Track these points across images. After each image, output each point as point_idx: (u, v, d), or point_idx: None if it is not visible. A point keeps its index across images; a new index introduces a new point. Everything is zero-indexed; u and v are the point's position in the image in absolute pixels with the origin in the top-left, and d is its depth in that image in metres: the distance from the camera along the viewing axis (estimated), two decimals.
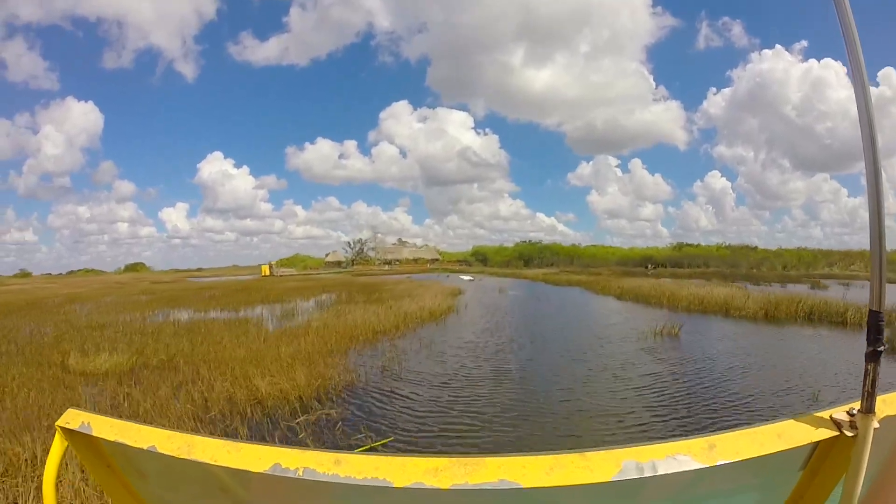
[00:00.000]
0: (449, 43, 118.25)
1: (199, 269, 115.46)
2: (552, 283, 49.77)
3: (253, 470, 1.14)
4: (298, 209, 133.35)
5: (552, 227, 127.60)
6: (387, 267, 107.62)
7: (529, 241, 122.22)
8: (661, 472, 1.06)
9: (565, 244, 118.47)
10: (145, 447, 1.29)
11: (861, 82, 1.13)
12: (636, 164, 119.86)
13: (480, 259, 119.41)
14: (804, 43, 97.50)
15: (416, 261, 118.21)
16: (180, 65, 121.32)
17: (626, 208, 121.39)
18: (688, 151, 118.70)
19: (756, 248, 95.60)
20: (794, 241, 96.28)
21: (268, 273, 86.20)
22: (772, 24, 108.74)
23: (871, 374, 1.14)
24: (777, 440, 1.15)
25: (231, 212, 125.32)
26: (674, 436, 1.22)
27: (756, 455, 1.12)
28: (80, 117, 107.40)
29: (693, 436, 1.13)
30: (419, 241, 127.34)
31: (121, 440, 1.34)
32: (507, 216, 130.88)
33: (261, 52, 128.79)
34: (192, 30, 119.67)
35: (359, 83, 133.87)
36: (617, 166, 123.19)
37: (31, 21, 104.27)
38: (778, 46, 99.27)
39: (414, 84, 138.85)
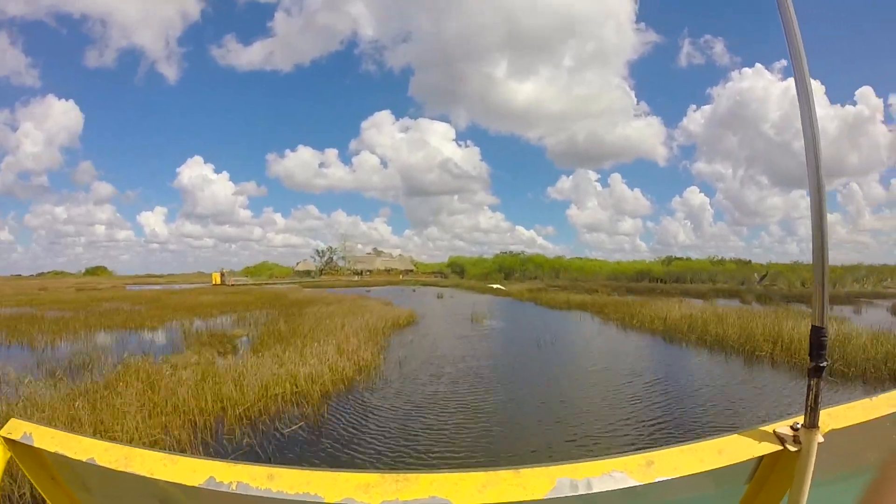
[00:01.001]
0: (433, 53, 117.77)
1: (168, 276, 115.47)
2: (545, 305, 37.71)
3: (188, 483, 1.14)
4: (278, 217, 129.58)
5: (532, 240, 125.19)
6: (356, 277, 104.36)
7: (510, 252, 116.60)
8: (596, 489, 1.06)
9: (548, 257, 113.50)
10: (85, 459, 1.29)
11: (807, 101, 1.19)
12: (616, 178, 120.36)
13: (457, 271, 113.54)
14: (783, 62, 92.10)
15: (388, 271, 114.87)
16: (163, 66, 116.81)
17: (606, 222, 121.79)
18: (667, 167, 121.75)
19: (749, 261, 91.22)
20: (771, 257, 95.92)
21: (219, 281, 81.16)
22: (753, 43, 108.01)
23: (813, 390, 1.17)
24: (718, 456, 1.16)
25: (210, 217, 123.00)
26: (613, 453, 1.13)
27: (696, 471, 1.12)
28: (61, 116, 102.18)
29: (631, 452, 1.12)
30: (397, 252, 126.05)
31: (62, 452, 1.34)
32: (487, 228, 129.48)
33: (244, 56, 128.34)
34: (175, 31, 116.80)
35: (341, 91, 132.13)
36: (597, 180, 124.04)
37: (16, 15, 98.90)
38: (758, 65, 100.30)
39: (396, 94, 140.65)
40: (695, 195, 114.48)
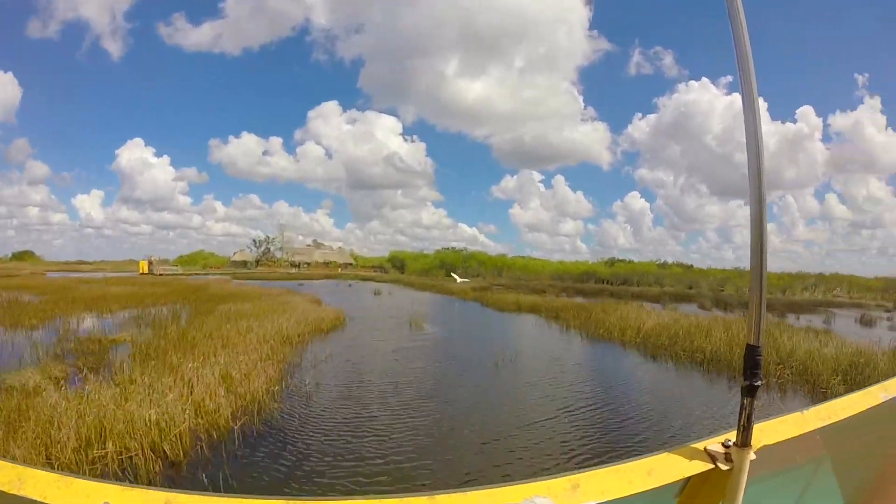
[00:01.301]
0: (385, 46, 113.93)
1: (99, 263, 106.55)
2: (493, 307, 33.73)
3: None
4: (218, 205, 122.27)
5: (474, 238, 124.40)
6: (294, 270, 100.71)
7: (452, 248, 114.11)
8: None
9: (490, 254, 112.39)
10: None
11: (753, 116, 1.19)
12: (560, 180, 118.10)
13: (397, 266, 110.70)
14: (729, 78, 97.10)
15: (327, 264, 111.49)
16: (107, 41, 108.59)
17: (548, 223, 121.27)
18: (610, 172, 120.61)
19: (692, 266, 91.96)
20: (708, 262, 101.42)
21: (146, 270, 76.44)
22: (701, 58, 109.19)
23: (746, 409, 1.18)
24: (647, 477, 1.12)
25: (148, 203, 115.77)
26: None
27: (624, 494, 1.09)
28: None
29: (556, 475, 1.09)
30: (337, 245, 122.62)
31: None
32: (430, 224, 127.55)
33: (193, 36, 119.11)
34: (123, 5, 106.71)
35: (290, 79, 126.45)
36: (541, 181, 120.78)
37: None
38: (704, 79, 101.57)
39: (345, 85, 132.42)
40: (636, 200, 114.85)
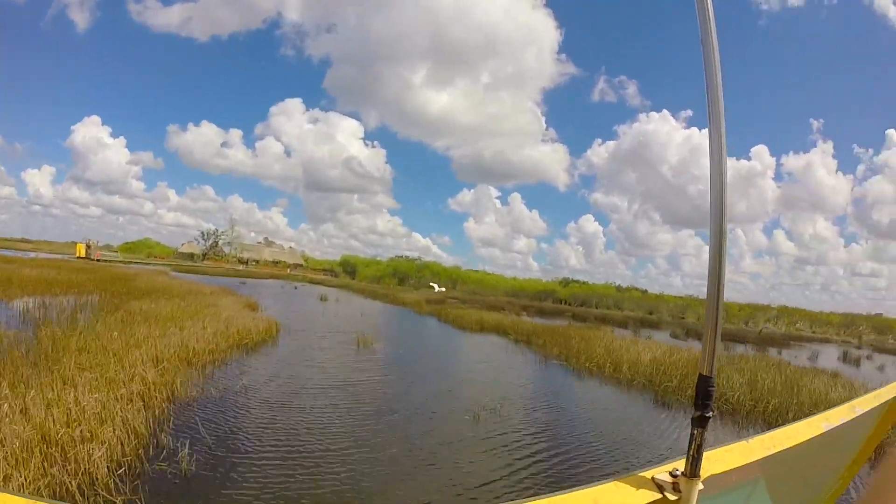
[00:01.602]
0: (354, 49, 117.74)
1: (40, 242, 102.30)
2: (452, 324, 29.93)
3: None
4: (171, 193, 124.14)
5: (427, 248, 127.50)
6: (241, 267, 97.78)
7: (406, 257, 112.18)
8: None
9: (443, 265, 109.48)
10: None
11: (719, 152, 1.17)
12: (516, 197, 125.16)
13: (349, 271, 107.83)
14: (689, 112, 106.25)
15: (276, 264, 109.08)
16: (74, 12, 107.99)
17: (502, 239, 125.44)
18: (567, 193, 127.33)
19: (646, 291, 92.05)
20: (655, 287, 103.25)
21: (83, 254, 71.95)
22: (663, 90, 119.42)
23: (697, 440, 1.14)
24: None
25: (100, 185, 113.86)
26: None
27: None
28: None
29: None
30: (289, 245, 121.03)
31: None
32: (384, 232, 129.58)
33: (162, 16, 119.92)
34: None
35: (255, 72, 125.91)
36: (497, 197, 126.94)
37: None
38: (665, 111, 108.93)
39: (311, 83, 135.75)
40: (589, 223, 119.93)
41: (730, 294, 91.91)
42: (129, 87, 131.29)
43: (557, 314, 50.64)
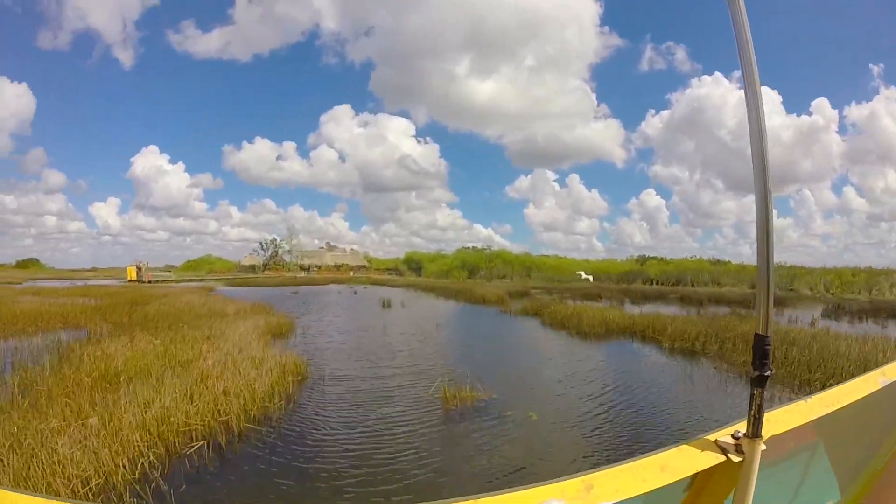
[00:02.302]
0: (394, 48, 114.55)
1: (103, 270, 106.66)
2: (563, 328, 21.16)
3: None
4: (233, 210, 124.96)
5: (489, 238, 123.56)
6: (302, 274, 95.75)
7: (473, 247, 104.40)
8: None
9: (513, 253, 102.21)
10: None
11: (756, 110, 1.19)
12: (574, 178, 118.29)
13: (413, 268, 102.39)
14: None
15: (338, 267, 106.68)
16: (119, 51, 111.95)
17: (563, 222, 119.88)
18: (625, 169, 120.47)
19: (728, 262, 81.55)
20: (725, 258, 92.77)
21: (133, 277, 69.01)
22: (713, 52, 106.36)
23: (756, 399, 1.16)
24: (661, 473, 1.11)
25: (164, 210, 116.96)
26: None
27: (638, 493, 1.07)
28: (12, 100, 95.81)
29: (567, 477, 1.05)
30: (353, 247, 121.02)
31: None
32: (445, 226, 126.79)
33: (202, 43, 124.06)
34: (132, 14, 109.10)
35: (301, 84, 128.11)
36: (555, 180, 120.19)
37: None
38: (717, 73, 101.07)
39: (356, 88, 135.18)
40: (651, 197, 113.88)
41: (798, 258, 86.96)
42: (181, 115, 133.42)
43: (659, 298, 43.80)
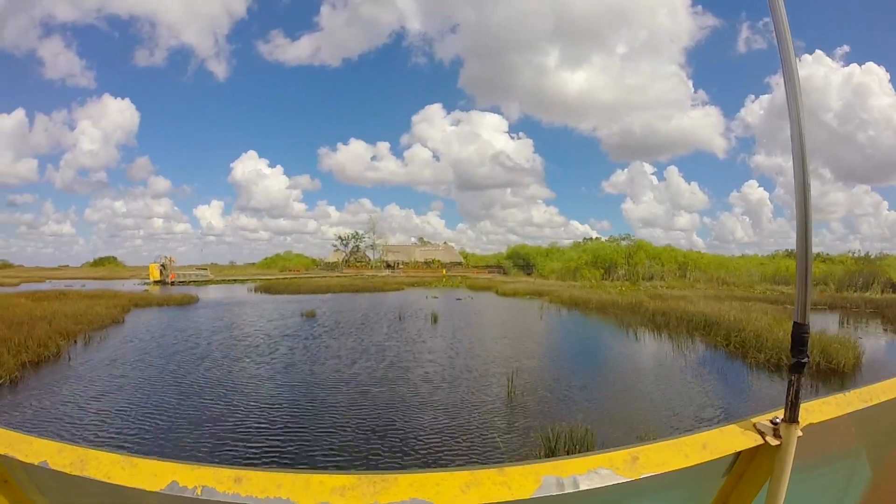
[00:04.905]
0: (481, 44, 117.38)
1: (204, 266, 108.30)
2: None
3: (148, 489, 1.04)
4: (332, 210, 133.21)
5: (586, 235, 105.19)
6: (387, 271, 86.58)
7: (612, 238, 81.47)
8: (583, 487, 1.03)
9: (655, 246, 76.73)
10: (37, 462, 1.17)
11: (794, 99, 1.18)
12: (672, 171, 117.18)
13: (520, 265, 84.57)
14: (846, 48, 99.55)
15: (429, 264, 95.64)
16: (212, 64, 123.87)
17: (662, 217, 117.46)
18: (726, 160, 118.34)
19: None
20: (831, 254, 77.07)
21: (157, 277, 56.58)
22: (813, 27, 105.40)
23: (794, 385, 1.19)
24: (702, 451, 1.15)
25: (265, 211, 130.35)
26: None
27: (680, 467, 1.12)
28: (117, 114, 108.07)
29: (615, 448, 1.11)
30: (446, 242, 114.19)
31: (12, 454, 1.21)
32: (541, 223, 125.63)
33: (292, 51, 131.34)
34: (223, 29, 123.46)
35: (391, 85, 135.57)
36: (653, 174, 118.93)
37: (67, 20, 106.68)
38: (818, 51, 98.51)
39: (446, 86, 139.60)
40: (753, 189, 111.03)
41: None
42: (277, 120, 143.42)
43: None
